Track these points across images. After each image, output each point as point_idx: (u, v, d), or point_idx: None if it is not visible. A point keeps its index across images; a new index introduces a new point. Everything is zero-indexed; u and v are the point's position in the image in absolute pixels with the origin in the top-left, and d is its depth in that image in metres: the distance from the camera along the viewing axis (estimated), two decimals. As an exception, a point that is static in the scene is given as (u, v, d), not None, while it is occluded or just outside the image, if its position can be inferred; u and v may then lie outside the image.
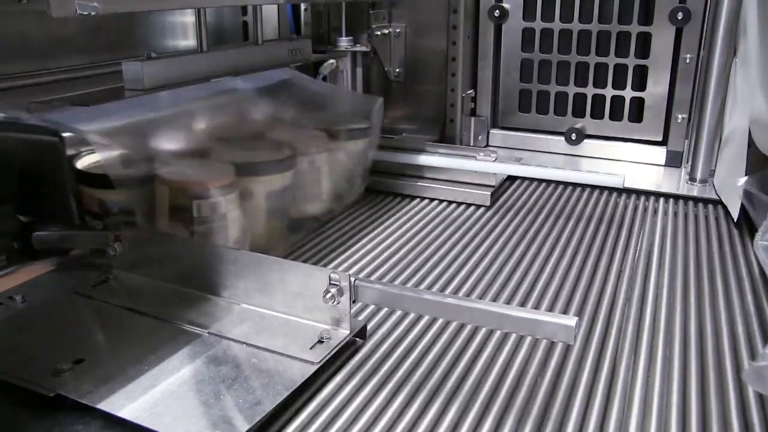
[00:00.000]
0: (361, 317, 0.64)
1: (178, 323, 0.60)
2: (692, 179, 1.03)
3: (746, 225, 0.86)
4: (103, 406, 0.48)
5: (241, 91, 0.87)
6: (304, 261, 0.77)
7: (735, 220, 0.87)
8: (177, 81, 0.78)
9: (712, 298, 0.68)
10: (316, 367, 0.53)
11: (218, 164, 0.74)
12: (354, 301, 0.57)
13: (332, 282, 0.57)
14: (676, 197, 0.97)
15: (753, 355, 0.58)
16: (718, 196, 0.95)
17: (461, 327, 0.62)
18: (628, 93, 1.13)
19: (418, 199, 1.00)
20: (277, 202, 0.77)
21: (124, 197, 0.69)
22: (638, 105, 1.13)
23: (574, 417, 0.50)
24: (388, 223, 0.90)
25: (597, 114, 1.16)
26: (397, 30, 1.19)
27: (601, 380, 0.54)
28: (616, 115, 1.15)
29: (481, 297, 0.69)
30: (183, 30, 1.05)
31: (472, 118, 1.22)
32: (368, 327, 0.61)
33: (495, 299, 0.68)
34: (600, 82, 1.14)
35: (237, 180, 0.72)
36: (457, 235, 0.85)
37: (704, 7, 1.03)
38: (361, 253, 0.80)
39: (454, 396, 0.52)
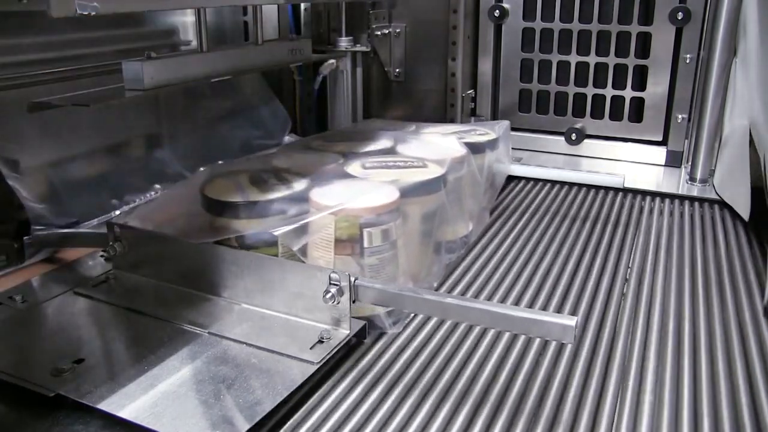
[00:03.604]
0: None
1: (178, 323, 0.60)
2: (692, 179, 1.03)
3: (746, 225, 0.86)
4: (103, 406, 0.48)
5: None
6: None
7: (746, 220, 0.86)
8: (177, 81, 0.79)
9: (712, 298, 0.68)
10: (316, 366, 0.53)
11: (375, 184, 0.66)
12: (354, 301, 0.57)
13: (332, 282, 0.57)
14: (676, 197, 0.97)
15: (746, 357, 0.58)
16: (719, 196, 0.95)
17: (458, 326, 0.62)
18: (628, 93, 1.13)
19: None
20: (429, 225, 0.69)
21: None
22: (638, 105, 1.13)
23: (584, 419, 0.50)
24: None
25: (597, 114, 1.16)
26: (397, 30, 1.19)
27: (612, 380, 0.54)
28: (616, 115, 1.15)
29: (481, 296, 0.69)
30: (183, 30, 1.05)
31: (472, 118, 1.22)
32: (366, 325, 0.61)
33: (495, 299, 0.68)
34: (600, 82, 1.14)
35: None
36: (457, 235, 0.85)
37: (704, 7, 1.03)
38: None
39: (447, 395, 0.52)
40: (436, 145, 0.82)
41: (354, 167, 0.72)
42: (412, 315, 0.63)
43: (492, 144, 0.86)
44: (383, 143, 0.83)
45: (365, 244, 0.60)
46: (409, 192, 0.64)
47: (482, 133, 0.89)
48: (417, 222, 0.67)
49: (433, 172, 0.70)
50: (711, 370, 0.56)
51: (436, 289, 0.68)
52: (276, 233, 0.59)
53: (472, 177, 0.80)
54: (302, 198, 0.64)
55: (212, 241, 0.63)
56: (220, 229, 0.64)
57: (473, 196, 0.81)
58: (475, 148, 0.82)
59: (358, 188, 0.65)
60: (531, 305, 0.67)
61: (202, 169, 0.75)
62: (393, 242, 0.61)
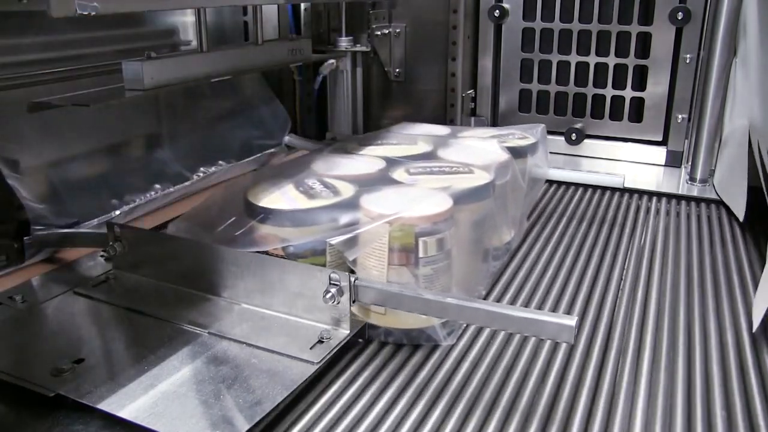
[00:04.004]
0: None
1: (178, 323, 0.60)
2: (692, 179, 1.03)
3: (747, 225, 0.86)
4: (103, 406, 0.48)
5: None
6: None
7: (740, 221, 0.86)
8: (177, 81, 0.78)
9: (711, 297, 0.68)
10: (316, 367, 0.53)
11: (426, 191, 0.64)
12: (354, 301, 0.57)
13: (332, 282, 0.57)
14: (676, 197, 0.97)
15: (744, 357, 0.58)
16: (718, 196, 0.95)
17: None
18: (628, 93, 1.13)
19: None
20: (479, 232, 0.68)
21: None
22: (638, 105, 1.13)
23: (578, 415, 0.50)
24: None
25: (597, 114, 1.16)
26: (397, 30, 1.19)
27: (606, 380, 0.54)
28: (616, 115, 1.15)
29: (481, 296, 0.68)
30: (183, 30, 1.05)
31: (472, 118, 1.22)
32: (366, 325, 0.61)
33: (495, 299, 0.68)
34: (600, 82, 1.14)
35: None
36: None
37: (704, 7, 1.03)
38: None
39: (441, 393, 0.52)
40: (478, 150, 0.79)
41: (399, 173, 0.70)
42: (465, 325, 0.61)
43: (532, 148, 0.84)
44: (423, 147, 0.81)
45: (420, 254, 0.58)
46: (460, 199, 0.62)
47: (521, 137, 0.87)
48: (468, 230, 0.64)
49: (481, 177, 0.68)
50: (705, 372, 0.55)
51: (485, 298, 0.67)
52: (333, 242, 0.57)
53: (515, 182, 0.77)
54: (352, 205, 0.61)
55: (259, 250, 0.60)
56: (268, 238, 0.61)
57: (515, 202, 0.79)
58: (515, 153, 0.79)
59: (410, 195, 0.63)
60: (535, 305, 0.67)
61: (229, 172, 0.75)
62: (447, 252, 0.59)
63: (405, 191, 0.65)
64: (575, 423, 0.49)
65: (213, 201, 0.70)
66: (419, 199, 0.61)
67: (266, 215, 0.62)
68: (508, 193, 0.75)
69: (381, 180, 0.68)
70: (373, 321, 0.59)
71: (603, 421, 0.49)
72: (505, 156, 0.76)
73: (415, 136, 0.86)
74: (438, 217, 0.58)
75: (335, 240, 0.57)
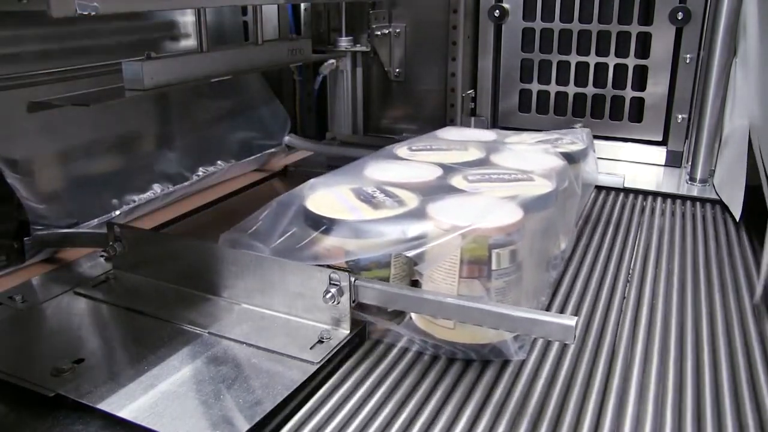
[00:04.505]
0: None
1: (178, 323, 0.60)
2: (692, 179, 1.03)
3: (747, 225, 0.86)
4: (103, 406, 0.48)
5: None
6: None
7: (737, 220, 0.87)
8: (177, 81, 0.79)
9: (710, 298, 0.68)
10: (316, 366, 0.53)
11: (493, 200, 0.61)
12: (354, 301, 0.57)
13: (332, 282, 0.57)
14: (676, 197, 0.97)
15: (749, 356, 0.58)
16: (719, 196, 0.95)
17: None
18: (628, 93, 1.13)
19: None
20: (545, 242, 0.66)
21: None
22: (638, 105, 1.13)
23: (568, 415, 0.50)
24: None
25: (597, 114, 1.16)
26: (397, 30, 1.19)
27: (598, 379, 0.54)
28: (616, 115, 1.15)
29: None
30: (183, 30, 1.05)
31: (472, 118, 1.22)
32: (366, 325, 0.61)
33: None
34: (600, 82, 1.14)
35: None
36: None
37: (704, 7, 1.03)
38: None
39: (450, 395, 0.52)
40: (532, 156, 0.76)
41: (457, 180, 0.67)
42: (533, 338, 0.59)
43: (584, 153, 0.82)
44: (475, 153, 0.77)
45: (493, 266, 0.55)
46: (529, 208, 0.59)
47: (570, 141, 0.84)
48: (535, 239, 0.62)
49: (543, 185, 0.65)
50: (714, 368, 0.56)
51: (547, 308, 0.65)
52: (410, 254, 0.55)
53: (571, 189, 0.75)
54: (419, 216, 0.58)
55: (325, 264, 0.58)
56: (333, 251, 0.58)
57: (570, 209, 0.77)
58: (569, 158, 0.77)
59: (478, 205, 0.60)
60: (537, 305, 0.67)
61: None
62: (519, 263, 0.57)
63: (471, 200, 0.62)
64: (566, 418, 0.49)
65: (266, 211, 0.65)
66: (489, 208, 0.58)
67: (331, 226, 0.58)
68: (566, 201, 0.73)
69: (442, 188, 0.65)
70: (438, 336, 0.57)
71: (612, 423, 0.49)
72: (561, 162, 0.74)
73: (465, 142, 0.82)
74: (512, 227, 0.56)
75: (413, 252, 0.54)
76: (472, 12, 1.18)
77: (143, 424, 0.47)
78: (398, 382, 0.54)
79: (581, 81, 1.15)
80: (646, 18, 1.08)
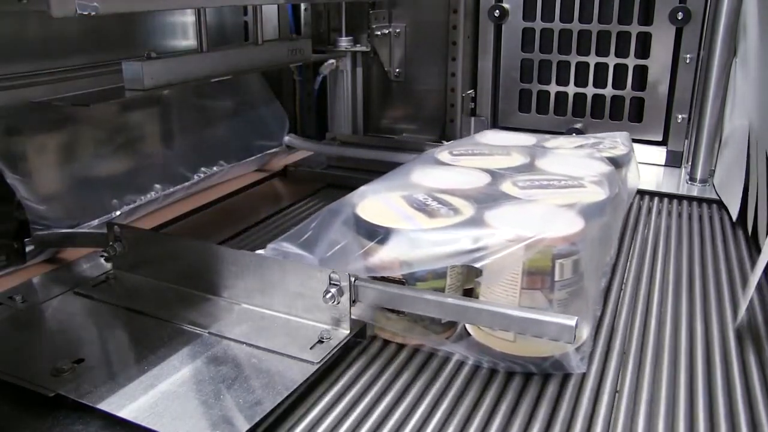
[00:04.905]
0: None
1: (178, 323, 0.60)
2: (692, 179, 1.03)
3: (745, 225, 0.86)
4: (103, 406, 0.48)
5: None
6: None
7: (733, 220, 0.87)
8: (177, 81, 0.79)
9: (710, 298, 0.68)
10: (316, 367, 0.53)
11: (552, 208, 0.60)
12: (354, 301, 0.57)
13: (332, 282, 0.57)
14: (676, 197, 0.97)
15: (742, 355, 0.58)
16: (718, 196, 0.95)
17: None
18: (628, 93, 1.13)
19: (418, 199, 0.99)
20: (602, 250, 0.65)
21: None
22: (638, 105, 1.13)
23: (580, 418, 0.50)
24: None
25: (597, 114, 1.16)
26: (397, 30, 1.19)
27: (608, 381, 0.54)
28: (616, 115, 1.15)
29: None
30: (183, 30, 1.05)
31: (472, 118, 1.22)
32: (366, 325, 0.61)
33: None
34: (600, 82, 1.14)
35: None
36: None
37: (704, 7, 1.03)
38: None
39: (444, 393, 0.52)
40: (578, 161, 0.75)
41: (508, 187, 0.65)
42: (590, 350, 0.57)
43: (627, 158, 0.80)
44: (518, 158, 0.76)
45: (556, 277, 0.54)
46: (588, 215, 0.57)
47: (610, 145, 0.82)
48: (594, 248, 0.60)
49: (596, 191, 0.64)
50: (707, 370, 0.56)
51: (600, 319, 0.63)
52: (478, 265, 0.53)
53: (620, 195, 0.74)
54: (478, 224, 0.56)
55: (379, 276, 0.56)
56: (390, 262, 0.55)
57: (618, 216, 0.76)
58: (614, 163, 0.75)
59: (536, 213, 0.58)
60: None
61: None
62: (581, 274, 0.55)
63: (528, 208, 0.60)
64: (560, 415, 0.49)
65: (316, 221, 0.62)
66: (550, 217, 0.57)
67: (387, 236, 0.56)
68: (616, 208, 0.71)
69: (493, 195, 0.63)
70: (498, 349, 0.56)
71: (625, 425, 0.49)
72: (608, 167, 0.72)
73: (507, 147, 0.80)
74: (576, 236, 0.54)
75: (483, 263, 0.52)
76: (472, 12, 1.18)
77: (143, 424, 0.47)
78: (400, 382, 0.54)
79: (581, 81, 1.15)
80: (646, 18, 1.08)
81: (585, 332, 0.57)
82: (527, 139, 0.88)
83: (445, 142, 1.16)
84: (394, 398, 0.52)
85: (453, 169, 0.73)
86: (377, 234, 0.56)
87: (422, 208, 0.60)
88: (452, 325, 0.59)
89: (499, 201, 0.61)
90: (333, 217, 0.61)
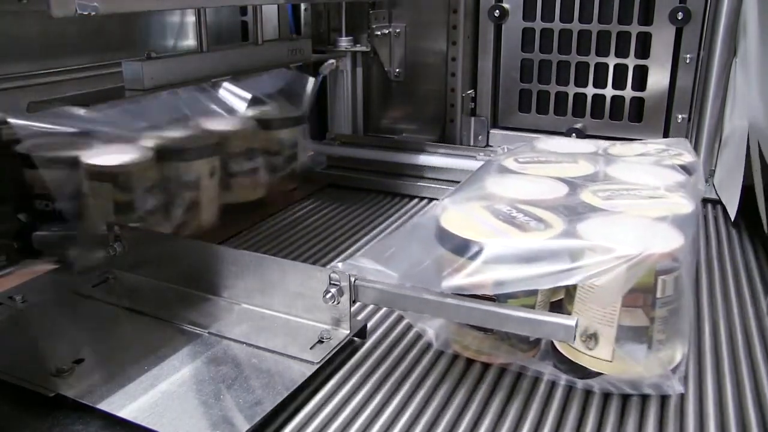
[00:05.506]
0: (360, 316, 0.64)
1: (178, 323, 0.60)
2: (692, 179, 1.03)
3: (744, 225, 0.86)
4: (103, 406, 0.48)
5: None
6: (302, 260, 0.77)
7: (732, 220, 0.87)
8: (177, 81, 0.79)
9: (710, 298, 0.68)
10: (316, 366, 0.53)
11: (646, 221, 0.56)
12: (354, 301, 0.57)
13: (332, 282, 0.57)
14: (676, 197, 0.97)
15: (750, 354, 0.58)
16: (718, 196, 0.95)
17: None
18: (628, 93, 1.13)
19: (417, 199, 1.00)
20: (693, 261, 0.59)
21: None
22: (638, 105, 1.13)
23: (572, 415, 0.50)
24: (387, 222, 0.91)
25: (597, 114, 1.16)
26: (397, 30, 1.19)
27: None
28: (616, 115, 1.15)
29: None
30: (183, 30, 1.05)
31: (472, 118, 1.22)
32: (366, 325, 0.61)
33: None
34: (600, 82, 1.14)
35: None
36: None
37: (704, 7, 1.03)
38: (360, 252, 0.80)
39: (453, 395, 0.52)
40: (649, 169, 0.71)
41: (589, 197, 0.62)
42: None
43: (696, 166, 0.76)
44: (587, 166, 0.72)
45: (658, 294, 0.51)
46: (683, 228, 0.54)
47: (676, 152, 0.78)
48: (691, 262, 0.56)
49: (681, 201, 0.60)
50: (716, 371, 0.56)
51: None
52: (597, 282, 0.50)
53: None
54: (571, 238, 0.53)
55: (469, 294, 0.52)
56: (483, 279, 0.51)
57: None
58: (686, 171, 0.71)
59: (631, 226, 0.55)
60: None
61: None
62: (681, 290, 0.52)
63: (620, 221, 0.57)
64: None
65: (399, 236, 0.60)
66: (647, 231, 0.54)
67: (480, 251, 0.52)
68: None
69: (577, 206, 0.59)
70: (594, 369, 0.53)
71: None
72: (683, 176, 0.69)
73: (573, 154, 0.77)
74: (679, 252, 0.51)
75: (600, 280, 0.50)
76: (472, 12, 1.17)
77: (143, 424, 0.47)
78: (400, 382, 0.54)
79: (581, 81, 1.15)
80: (646, 18, 1.08)
81: (680, 353, 0.54)
82: (586, 145, 0.84)
83: (444, 143, 1.16)
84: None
85: (525, 177, 0.69)
86: (468, 249, 0.52)
87: (509, 220, 0.56)
88: (538, 343, 0.57)
89: (585, 213, 0.58)
90: (416, 232, 0.58)
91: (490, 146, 1.21)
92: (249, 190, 0.93)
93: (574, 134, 1.15)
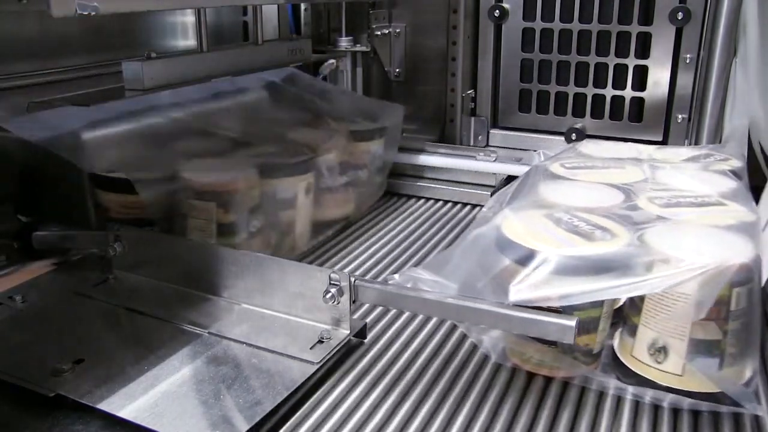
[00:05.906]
0: (356, 315, 0.64)
1: (178, 323, 0.60)
2: (692, 179, 1.02)
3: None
4: (103, 406, 0.48)
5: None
6: (304, 260, 0.77)
7: None
8: (177, 81, 0.79)
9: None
10: (316, 366, 0.53)
11: (714, 231, 0.55)
12: (354, 301, 0.57)
13: (332, 282, 0.57)
14: (676, 197, 0.97)
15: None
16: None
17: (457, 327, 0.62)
18: (628, 93, 1.12)
19: (416, 199, 1.00)
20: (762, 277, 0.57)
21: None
22: (638, 105, 1.13)
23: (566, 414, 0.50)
24: (387, 222, 0.91)
25: (597, 114, 1.16)
26: (397, 30, 1.19)
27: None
28: (616, 115, 1.15)
29: None
30: (183, 30, 1.05)
31: (472, 118, 1.22)
32: (366, 325, 0.61)
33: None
34: (600, 82, 1.14)
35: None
36: (456, 235, 0.85)
37: (704, 7, 1.03)
38: (360, 252, 0.80)
39: (448, 393, 0.52)
40: (699, 174, 0.69)
41: (646, 204, 0.60)
42: None
43: (744, 171, 0.74)
44: (636, 172, 0.70)
45: (732, 307, 0.50)
46: (750, 236, 0.53)
47: (722, 158, 0.76)
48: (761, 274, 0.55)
49: (740, 209, 0.59)
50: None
51: None
52: (671, 294, 0.49)
53: None
54: (642, 248, 0.52)
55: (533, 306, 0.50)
56: (549, 291, 0.50)
57: None
58: (736, 177, 0.70)
59: (699, 235, 0.54)
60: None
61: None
62: (754, 303, 0.51)
63: (686, 230, 0.55)
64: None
65: (459, 247, 0.57)
66: (717, 240, 0.52)
67: (547, 261, 0.50)
68: None
69: (636, 214, 0.58)
70: (664, 383, 0.52)
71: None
72: (736, 182, 0.67)
73: (619, 160, 0.75)
74: (754, 263, 0.50)
75: (671, 293, 0.49)
76: (472, 12, 1.17)
77: (143, 424, 0.47)
78: (399, 382, 0.54)
79: (581, 81, 1.15)
80: (646, 18, 1.08)
81: (750, 368, 0.52)
82: (628, 149, 0.82)
83: (444, 143, 1.16)
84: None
85: (577, 184, 0.68)
86: (534, 259, 0.51)
87: (573, 229, 0.55)
88: (600, 355, 0.56)
89: (647, 221, 0.56)
90: (478, 242, 0.56)
91: (490, 146, 1.21)
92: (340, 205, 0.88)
93: (574, 134, 1.15)
